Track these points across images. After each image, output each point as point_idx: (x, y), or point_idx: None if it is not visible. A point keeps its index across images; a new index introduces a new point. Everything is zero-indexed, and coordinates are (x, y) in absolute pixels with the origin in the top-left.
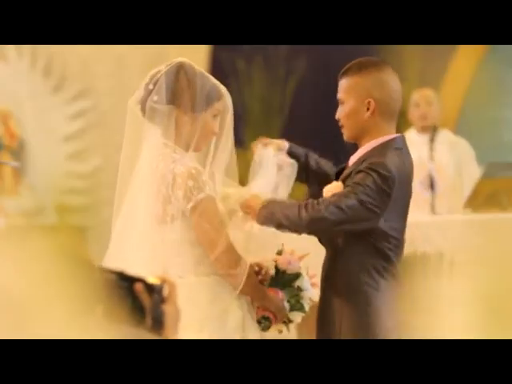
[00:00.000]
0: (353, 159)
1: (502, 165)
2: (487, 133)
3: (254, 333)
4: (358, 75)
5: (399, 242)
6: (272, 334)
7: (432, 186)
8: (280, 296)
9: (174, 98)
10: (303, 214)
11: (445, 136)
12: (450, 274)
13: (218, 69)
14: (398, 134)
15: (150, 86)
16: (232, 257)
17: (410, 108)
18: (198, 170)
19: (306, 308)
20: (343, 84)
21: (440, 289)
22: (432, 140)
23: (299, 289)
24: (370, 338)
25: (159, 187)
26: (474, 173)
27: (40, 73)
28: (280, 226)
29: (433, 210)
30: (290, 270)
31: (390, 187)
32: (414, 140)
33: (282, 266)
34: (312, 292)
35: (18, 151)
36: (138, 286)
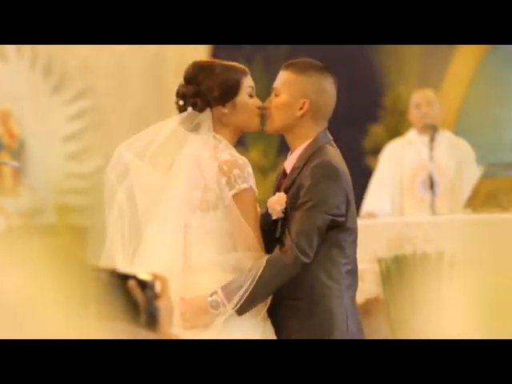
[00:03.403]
0: (288, 165)
1: (502, 165)
2: (487, 133)
3: (272, 332)
4: (302, 73)
5: (353, 233)
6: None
7: (432, 186)
8: None
9: (203, 102)
10: (276, 269)
11: (445, 136)
12: (450, 274)
13: None
14: (319, 130)
15: (181, 103)
16: (257, 253)
17: (410, 108)
18: (244, 161)
19: None
20: (284, 76)
21: (440, 288)
22: (432, 140)
23: None
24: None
25: (202, 174)
26: (474, 174)
27: (40, 73)
28: (268, 293)
29: (433, 210)
30: None
31: (341, 182)
32: (415, 140)
33: None
34: None
35: (17, 151)
36: (131, 283)
